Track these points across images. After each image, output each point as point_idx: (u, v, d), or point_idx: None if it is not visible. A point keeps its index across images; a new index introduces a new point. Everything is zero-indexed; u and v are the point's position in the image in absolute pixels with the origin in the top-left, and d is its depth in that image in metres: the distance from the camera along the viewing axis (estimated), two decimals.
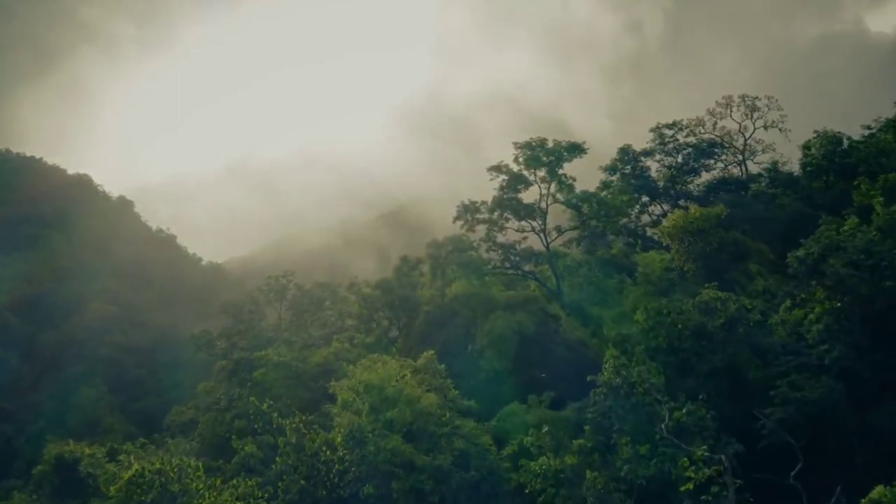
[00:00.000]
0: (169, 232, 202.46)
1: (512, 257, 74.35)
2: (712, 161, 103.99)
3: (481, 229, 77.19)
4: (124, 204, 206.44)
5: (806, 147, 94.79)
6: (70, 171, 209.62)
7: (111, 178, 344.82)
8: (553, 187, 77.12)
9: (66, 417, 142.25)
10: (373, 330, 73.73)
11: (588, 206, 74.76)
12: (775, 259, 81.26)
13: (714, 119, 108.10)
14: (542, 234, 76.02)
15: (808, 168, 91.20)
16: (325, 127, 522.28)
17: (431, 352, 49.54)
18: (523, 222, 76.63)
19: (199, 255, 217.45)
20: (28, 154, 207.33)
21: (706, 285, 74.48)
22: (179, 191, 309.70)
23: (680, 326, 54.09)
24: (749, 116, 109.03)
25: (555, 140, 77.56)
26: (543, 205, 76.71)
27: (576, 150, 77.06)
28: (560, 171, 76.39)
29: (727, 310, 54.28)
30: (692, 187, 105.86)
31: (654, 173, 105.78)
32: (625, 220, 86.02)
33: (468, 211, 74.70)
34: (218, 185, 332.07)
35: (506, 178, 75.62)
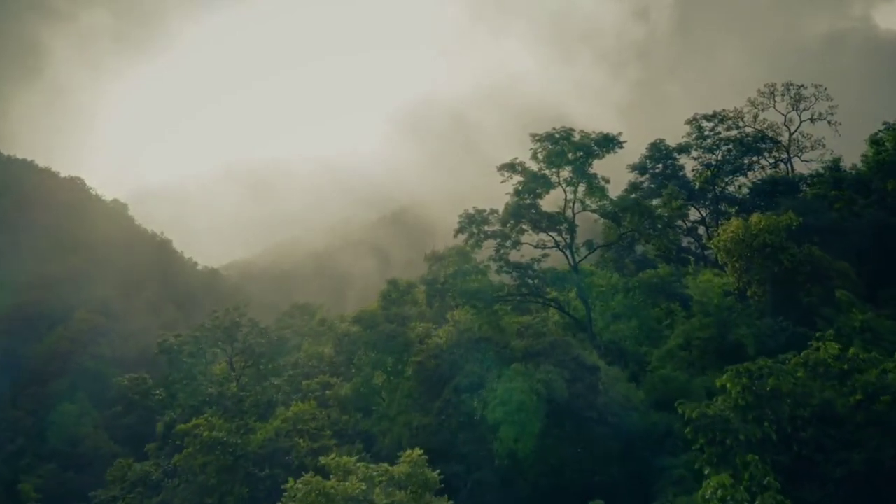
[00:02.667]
0: (163, 236, 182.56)
1: (529, 281, 53.76)
2: (756, 158, 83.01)
3: (488, 241, 56.64)
4: (118, 207, 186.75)
5: (875, 142, 74.20)
6: (63, 174, 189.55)
7: (110, 182, 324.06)
8: (581, 191, 56.59)
9: (47, 435, 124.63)
10: (352, 376, 53.50)
11: (630, 216, 54.03)
12: (857, 280, 61.06)
13: (755, 110, 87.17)
14: (567, 251, 55.43)
15: (885, 165, 70.46)
16: (323, 128, 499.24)
17: (418, 452, 29.49)
18: (543, 235, 56.04)
19: (197, 259, 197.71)
20: (20, 157, 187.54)
21: (779, 318, 55.35)
22: (180, 193, 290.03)
23: (790, 403, 33.73)
24: (794, 107, 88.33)
25: (582, 131, 56.91)
26: (569, 213, 56.16)
27: (609, 143, 56.50)
28: (590, 171, 55.87)
29: (863, 377, 33.84)
30: (732, 188, 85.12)
31: (687, 172, 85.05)
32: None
33: (473, 222, 54.12)
34: (218, 186, 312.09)
35: (521, 179, 55.03)
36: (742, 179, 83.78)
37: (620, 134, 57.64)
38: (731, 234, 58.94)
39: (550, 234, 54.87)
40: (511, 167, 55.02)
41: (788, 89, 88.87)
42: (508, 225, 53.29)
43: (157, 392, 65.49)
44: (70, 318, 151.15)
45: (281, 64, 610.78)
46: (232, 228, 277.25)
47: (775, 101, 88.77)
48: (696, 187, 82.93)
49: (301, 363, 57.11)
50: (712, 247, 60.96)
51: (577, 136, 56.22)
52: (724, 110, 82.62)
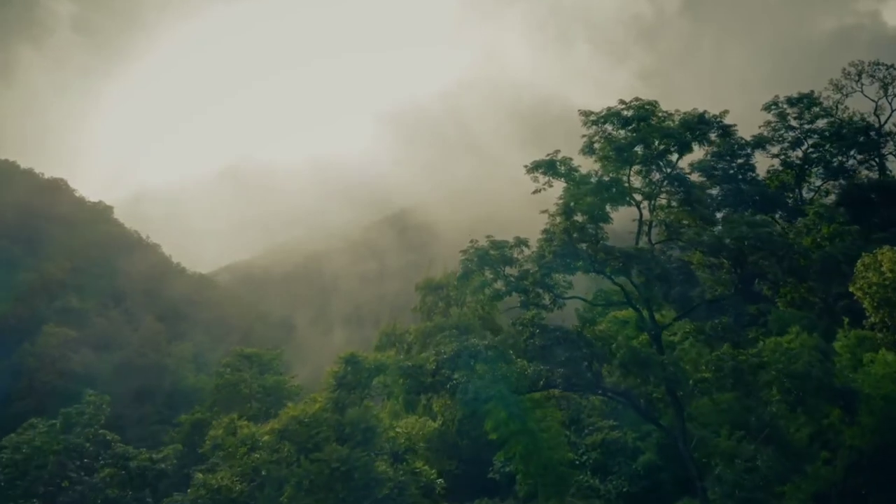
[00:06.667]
0: (150, 240, 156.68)
1: (587, 364, 27.84)
2: (855, 156, 57.09)
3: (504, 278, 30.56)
4: (103, 210, 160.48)
5: None
6: (47, 175, 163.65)
7: (109, 185, 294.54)
8: (661, 207, 30.88)
9: None
10: None
11: (759, 252, 27.79)
12: None
13: (839, 95, 61.18)
14: (644, 308, 29.47)
15: None
16: (322, 129, 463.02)
17: None
18: (600, 277, 30.15)
19: (197, 262, 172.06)
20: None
21: None
22: (178, 195, 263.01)
23: None
24: (884, 92, 62.67)
25: (658, 109, 30.85)
26: (643, 241, 30.34)
27: (705, 128, 30.91)
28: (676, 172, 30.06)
29: None
30: (813, 194, 59.30)
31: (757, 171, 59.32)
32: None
33: (487, 262, 28.09)
34: (217, 188, 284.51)
35: (567, 185, 29.08)
36: (830, 182, 57.85)
37: (725, 113, 31.83)
38: (887, 275, 33.52)
39: (617, 280, 28.96)
40: (550, 166, 28.97)
41: (877, 69, 63.23)
42: (545, 270, 27.13)
43: None
44: (37, 332, 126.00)
45: (280, 64, 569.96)
46: (232, 230, 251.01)
47: (863, 85, 63.13)
48: (771, 192, 57.12)
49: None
50: (855, 293, 35.06)
51: (657, 116, 30.34)
52: (812, 92, 56.59)
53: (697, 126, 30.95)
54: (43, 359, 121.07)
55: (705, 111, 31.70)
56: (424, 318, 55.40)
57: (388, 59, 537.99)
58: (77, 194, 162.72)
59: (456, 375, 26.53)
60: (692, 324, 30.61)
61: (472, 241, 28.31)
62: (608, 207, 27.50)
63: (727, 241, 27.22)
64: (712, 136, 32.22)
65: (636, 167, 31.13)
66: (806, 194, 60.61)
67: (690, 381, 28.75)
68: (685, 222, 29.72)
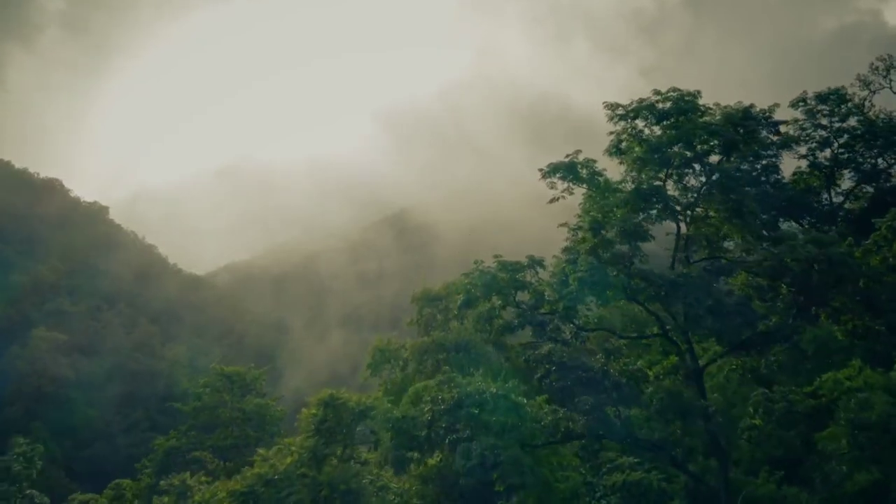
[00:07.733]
0: (144, 241, 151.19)
1: (611, 411, 22.30)
2: (880, 158, 51.30)
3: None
4: (98, 210, 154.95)
5: None
6: (42, 175, 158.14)
7: (108, 186, 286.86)
8: (699, 218, 25.32)
9: None
10: None
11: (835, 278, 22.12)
12: None
13: (867, 91, 55.43)
14: (684, 344, 23.92)
15: None
16: (321, 130, 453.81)
17: None
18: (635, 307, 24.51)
19: (195, 262, 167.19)
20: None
21: None
22: (178, 195, 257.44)
23: None
24: None
25: (698, 101, 25.19)
26: (681, 260, 24.66)
27: (752, 122, 25.45)
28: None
29: None
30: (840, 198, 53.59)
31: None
32: None
33: (493, 288, 22.41)
34: (217, 188, 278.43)
35: (590, 193, 23.42)
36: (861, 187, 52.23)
37: (775, 108, 26.35)
38: None
39: (651, 308, 23.37)
40: (570, 170, 23.37)
41: None
42: (566, 303, 21.46)
43: None
44: (27, 336, 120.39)
45: (280, 64, 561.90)
46: (231, 230, 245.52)
47: (891, 81, 57.47)
48: (794, 196, 51.40)
49: None
50: None
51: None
52: (842, 87, 50.93)
53: (742, 122, 25.43)
54: (33, 363, 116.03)
55: (752, 104, 26.26)
56: (421, 332, 50.11)
57: (386, 59, 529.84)
58: (72, 195, 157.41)
59: (458, 425, 21.08)
60: (737, 359, 25.01)
61: (476, 263, 22.75)
62: (646, 222, 21.88)
63: (789, 261, 21.68)
64: (762, 134, 26.68)
65: (674, 170, 25.62)
66: (835, 198, 55.33)
67: (738, 430, 23.23)
68: (734, 238, 24.24)
